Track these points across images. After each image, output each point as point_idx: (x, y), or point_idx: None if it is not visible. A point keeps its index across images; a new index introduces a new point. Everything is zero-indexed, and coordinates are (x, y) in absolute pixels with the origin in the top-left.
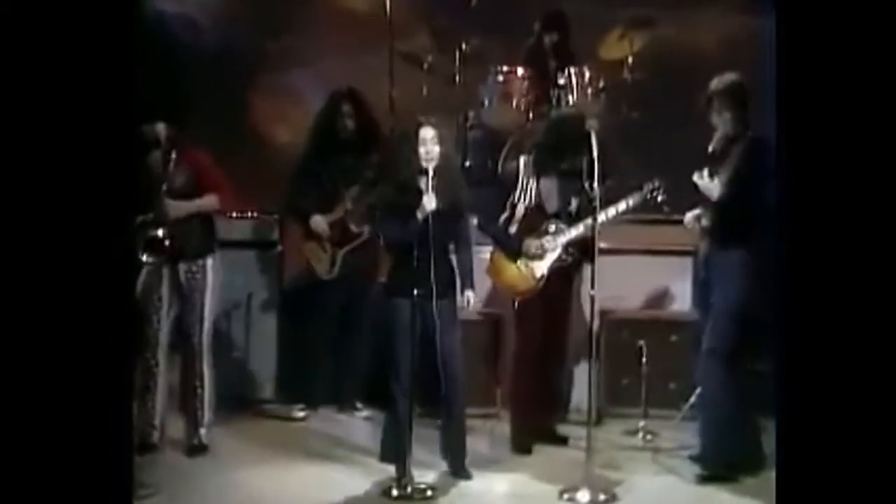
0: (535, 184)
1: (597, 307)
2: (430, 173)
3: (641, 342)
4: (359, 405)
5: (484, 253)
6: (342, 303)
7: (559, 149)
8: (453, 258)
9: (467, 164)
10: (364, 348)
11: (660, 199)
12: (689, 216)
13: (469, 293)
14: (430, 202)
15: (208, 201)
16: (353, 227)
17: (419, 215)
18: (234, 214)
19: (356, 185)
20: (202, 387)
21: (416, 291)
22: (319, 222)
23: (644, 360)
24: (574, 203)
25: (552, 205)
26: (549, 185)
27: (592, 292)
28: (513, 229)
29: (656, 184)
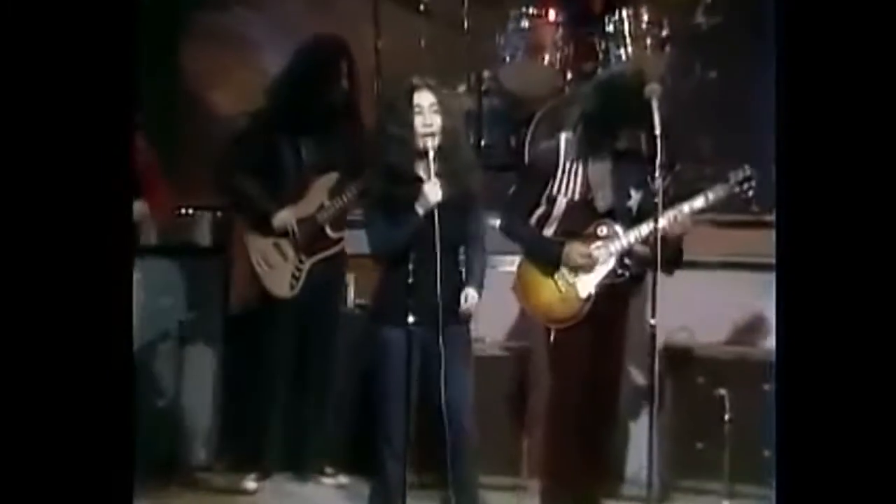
0: (581, 169)
1: (660, 341)
2: (432, 154)
3: (722, 391)
4: (328, 469)
5: (507, 265)
6: (305, 333)
7: (615, 122)
8: (462, 270)
9: (482, 142)
10: (338, 394)
11: (751, 193)
12: None
13: (471, 291)
14: (433, 191)
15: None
16: (330, 231)
17: (420, 210)
18: None
19: (334, 173)
20: None
21: (411, 318)
22: (287, 218)
23: (727, 416)
24: (635, 197)
25: (605, 199)
26: (602, 171)
27: (654, 321)
28: (549, 231)
29: (747, 172)
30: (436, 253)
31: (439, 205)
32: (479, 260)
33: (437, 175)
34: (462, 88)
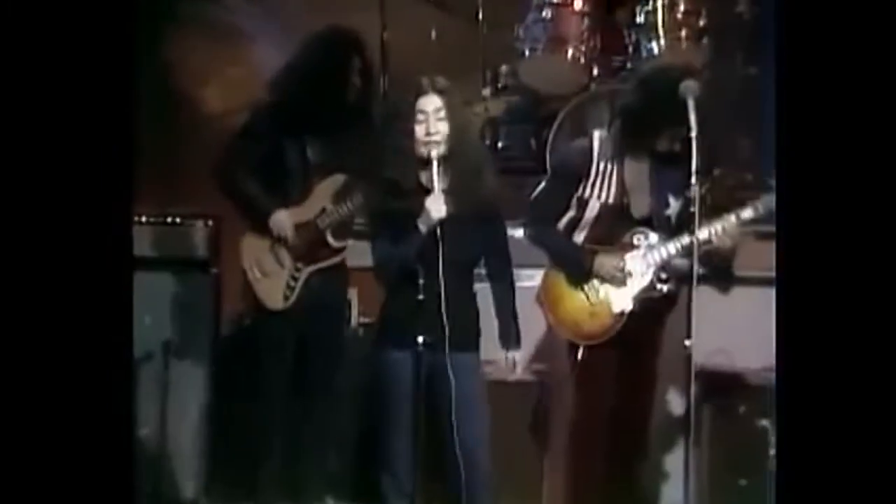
0: (617, 171)
1: (696, 364)
2: (435, 164)
3: (766, 422)
4: (328, 502)
5: (527, 280)
6: (301, 352)
7: (655, 121)
8: (476, 290)
9: (498, 144)
10: (339, 421)
11: None
12: None
13: (514, 354)
14: (436, 206)
15: None
16: (332, 239)
17: (422, 227)
18: (143, 219)
19: (340, 175)
20: None
21: (419, 340)
22: (283, 221)
23: (772, 450)
24: (674, 205)
25: (641, 205)
26: (639, 174)
27: (689, 342)
28: (580, 238)
29: None
30: (441, 273)
31: (446, 220)
32: (507, 290)
33: (442, 187)
34: (481, 104)
